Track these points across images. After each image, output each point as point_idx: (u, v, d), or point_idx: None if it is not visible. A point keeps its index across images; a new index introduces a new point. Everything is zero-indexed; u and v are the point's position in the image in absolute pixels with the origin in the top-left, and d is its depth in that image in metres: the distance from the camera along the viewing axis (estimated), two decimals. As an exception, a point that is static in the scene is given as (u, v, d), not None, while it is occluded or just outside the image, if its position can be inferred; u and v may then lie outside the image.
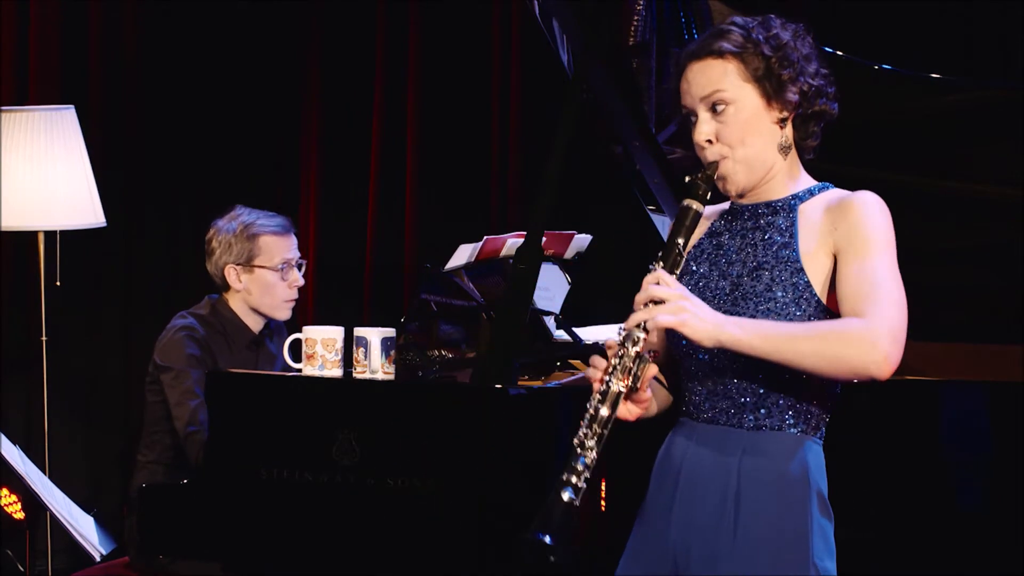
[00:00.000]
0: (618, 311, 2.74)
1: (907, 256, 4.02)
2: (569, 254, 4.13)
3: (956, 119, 3.86)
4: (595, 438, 2.30)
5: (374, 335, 3.34)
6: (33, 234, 4.69)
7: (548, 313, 3.92)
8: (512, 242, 3.83)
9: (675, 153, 3.68)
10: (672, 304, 2.29)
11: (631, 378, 2.32)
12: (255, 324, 3.99)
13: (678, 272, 2.37)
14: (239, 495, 3.34)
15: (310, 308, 5.26)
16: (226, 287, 3.98)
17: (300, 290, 4.05)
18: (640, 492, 2.62)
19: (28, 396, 5.09)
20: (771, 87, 2.42)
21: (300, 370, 3.40)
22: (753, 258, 2.46)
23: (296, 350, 3.43)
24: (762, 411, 2.42)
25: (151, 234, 5.37)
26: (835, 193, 2.48)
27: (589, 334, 3.89)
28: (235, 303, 3.97)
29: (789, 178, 2.49)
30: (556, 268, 4.10)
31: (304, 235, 5.32)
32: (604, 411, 2.31)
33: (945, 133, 3.87)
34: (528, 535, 2.23)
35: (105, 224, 4.70)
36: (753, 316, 2.38)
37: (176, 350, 3.84)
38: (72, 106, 4.68)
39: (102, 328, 5.29)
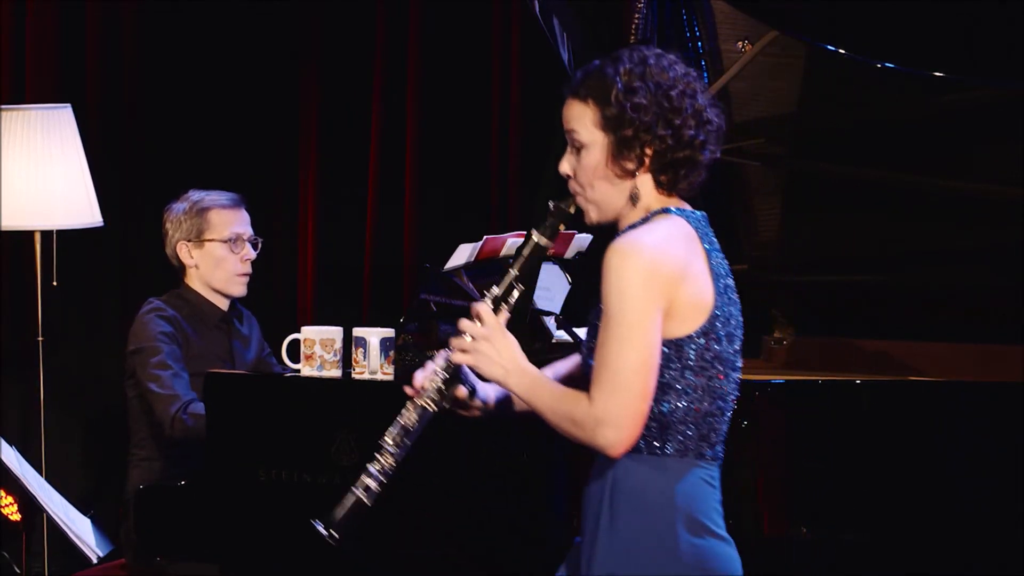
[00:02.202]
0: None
1: (907, 256, 4.05)
2: (569, 254, 4.12)
3: (956, 119, 3.86)
4: (397, 447, 2.48)
5: (373, 335, 3.33)
6: (29, 234, 4.67)
7: (548, 313, 3.91)
8: (512, 242, 3.82)
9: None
10: (471, 343, 2.42)
11: (440, 398, 2.48)
12: (221, 303, 4.00)
13: (510, 301, 2.44)
14: (237, 496, 3.33)
15: (310, 308, 5.24)
16: (182, 268, 4.00)
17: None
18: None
19: (25, 397, 5.07)
20: (616, 141, 2.39)
21: (299, 370, 3.39)
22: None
23: (294, 350, 3.42)
24: None
25: (149, 234, 5.33)
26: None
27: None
28: (195, 284, 4.00)
29: (637, 218, 2.44)
30: (556, 268, 4.09)
31: (304, 235, 5.31)
32: (410, 423, 2.48)
33: (945, 133, 3.86)
34: (313, 521, 2.47)
35: (102, 224, 4.68)
36: (587, 361, 2.41)
37: (144, 330, 3.86)
38: (69, 105, 4.66)
39: (99, 328, 5.27)
